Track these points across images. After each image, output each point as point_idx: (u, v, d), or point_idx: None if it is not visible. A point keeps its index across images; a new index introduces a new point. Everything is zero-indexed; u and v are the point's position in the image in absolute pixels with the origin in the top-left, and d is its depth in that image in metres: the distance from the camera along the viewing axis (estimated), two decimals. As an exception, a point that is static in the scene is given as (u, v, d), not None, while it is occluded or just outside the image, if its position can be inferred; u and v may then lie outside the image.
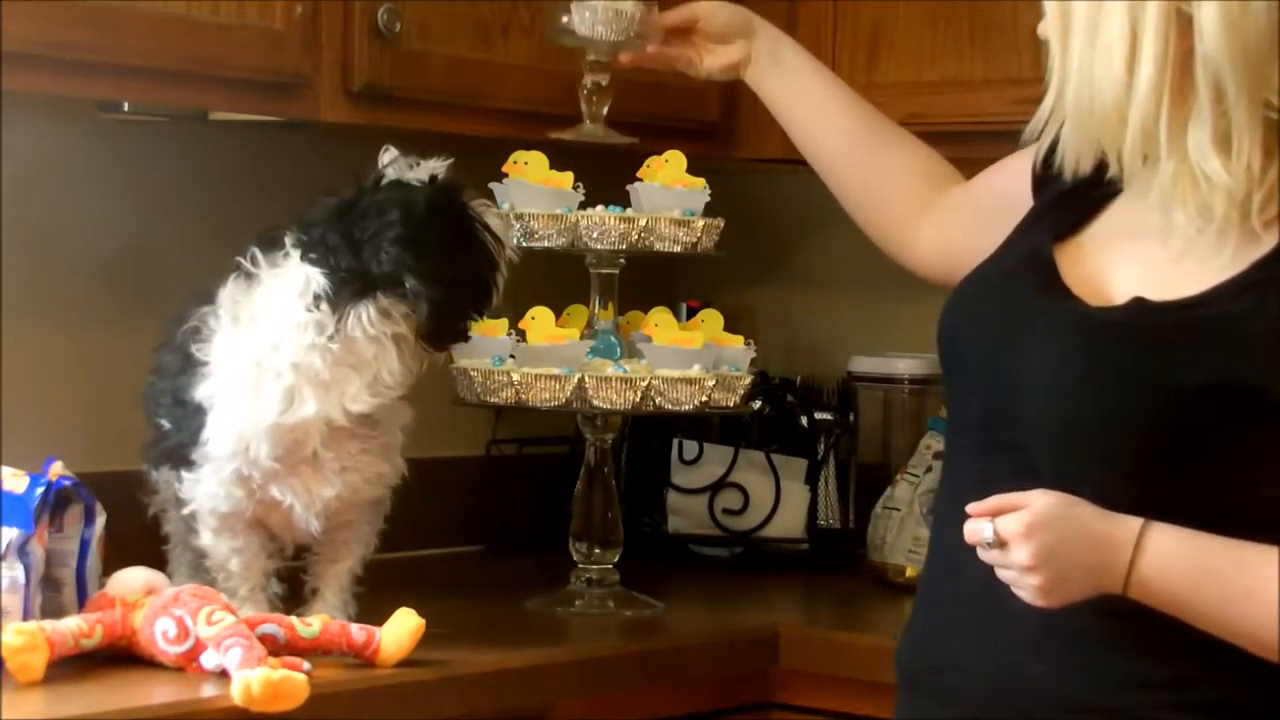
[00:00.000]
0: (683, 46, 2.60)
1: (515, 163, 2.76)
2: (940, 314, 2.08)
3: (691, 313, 3.28)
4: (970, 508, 1.86)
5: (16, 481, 2.26)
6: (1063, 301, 1.96)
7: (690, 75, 2.63)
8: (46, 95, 2.50)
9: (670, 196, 2.75)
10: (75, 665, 2.19)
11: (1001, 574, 1.86)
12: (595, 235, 2.72)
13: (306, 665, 2.17)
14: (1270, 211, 1.88)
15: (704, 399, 2.69)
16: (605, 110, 2.67)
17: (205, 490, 2.39)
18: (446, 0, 2.73)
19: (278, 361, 2.35)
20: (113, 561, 2.35)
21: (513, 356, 2.69)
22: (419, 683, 2.28)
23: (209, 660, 2.18)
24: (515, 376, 2.65)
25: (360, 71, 2.62)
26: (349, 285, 2.34)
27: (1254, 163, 1.87)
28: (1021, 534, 1.82)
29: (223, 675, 2.15)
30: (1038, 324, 1.95)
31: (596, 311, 2.81)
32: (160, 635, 2.21)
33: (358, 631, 2.28)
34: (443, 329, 2.38)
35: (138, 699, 2.11)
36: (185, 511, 2.42)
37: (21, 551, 2.23)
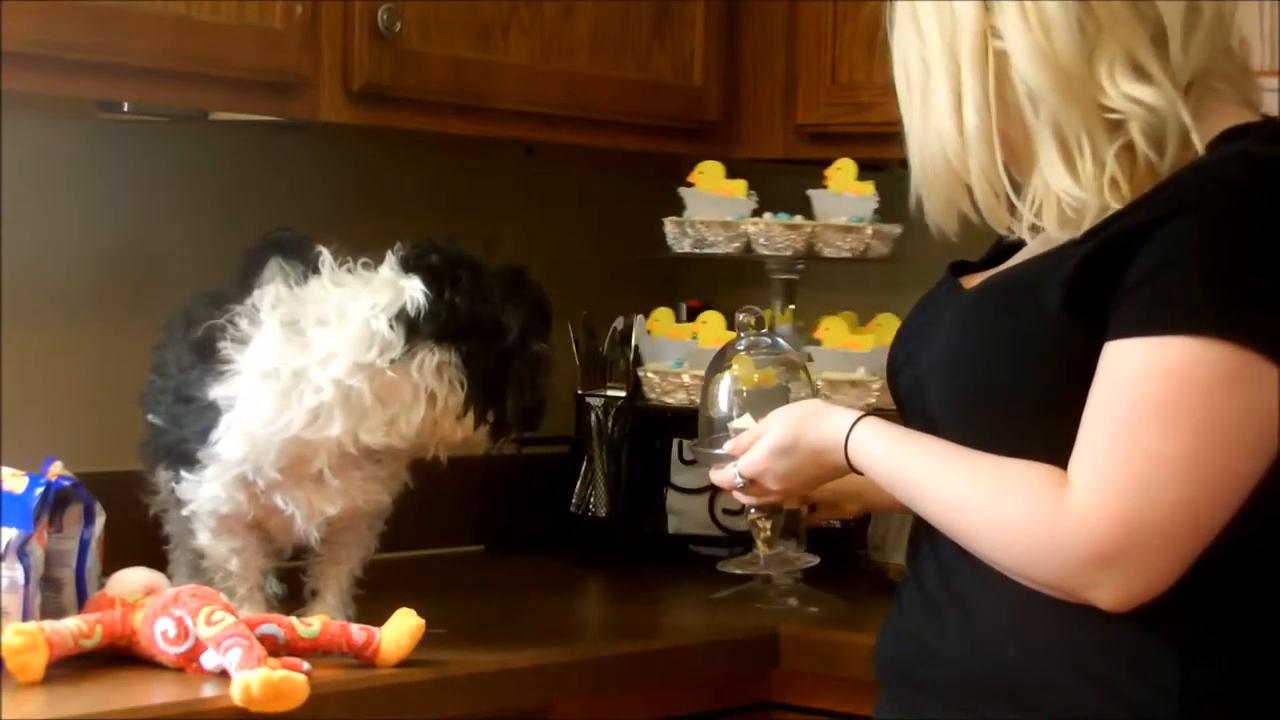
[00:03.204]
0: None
1: (696, 172, 2.90)
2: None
3: (692, 312, 3.29)
4: (726, 446, 2.19)
5: (16, 481, 2.26)
6: (951, 295, 2.04)
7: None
8: (46, 95, 2.50)
9: (840, 203, 2.85)
10: (75, 665, 2.19)
11: (744, 498, 2.20)
12: (763, 242, 2.84)
13: (306, 665, 2.17)
14: (1129, 188, 1.88)
15: (870, 401, 2.73)
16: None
17: (207, 492, 2.38)
18: (446, 0, 2.73)
19: (321, 376, 2.33)
20: (113, 561, 2.35)
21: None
22: (419, 683, 2.28)
23: (209, 660, 2.18)
24: (686, 379, 2.71)
25: (360, 71, 2.62)
26: (439, 323, 2.33)
27: (1105, 157, 1.87)
28: (761, 469, 2.14)
29: (223, 675, 2.15)
30: (929, 320, 2.04)
31: (775, 316, 2.90)
32: (160, 635, 2.21)
33: (357, 632, 2.28)
34: (529, 414, 2.42)
35: (138, 699, 2.11)
36: (184, 512, 2.42)
37: (21, 551, 2.23)
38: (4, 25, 2.27)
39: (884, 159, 3.04)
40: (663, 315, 2.90)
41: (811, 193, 2.90)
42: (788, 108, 3.08)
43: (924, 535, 2.00)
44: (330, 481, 2.37)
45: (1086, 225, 1.88)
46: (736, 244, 2.87)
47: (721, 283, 3.16)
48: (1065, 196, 1.89)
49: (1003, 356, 1.91)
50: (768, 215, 2.86)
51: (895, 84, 1.98)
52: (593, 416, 3.20)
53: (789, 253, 2.84)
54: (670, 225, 2.91)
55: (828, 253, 2.84)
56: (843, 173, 2.88)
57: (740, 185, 2.89)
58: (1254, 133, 1.88)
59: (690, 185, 2.93)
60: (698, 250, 2.87)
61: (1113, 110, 1.87)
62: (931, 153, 1.94)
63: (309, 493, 2.38)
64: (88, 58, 2.37)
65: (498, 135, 2.84)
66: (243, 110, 2.63)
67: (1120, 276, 1.82)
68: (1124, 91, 1.87)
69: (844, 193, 2.86)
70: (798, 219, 2.86)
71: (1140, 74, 1.87)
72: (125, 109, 2.59)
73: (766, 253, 2.86)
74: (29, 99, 2.55)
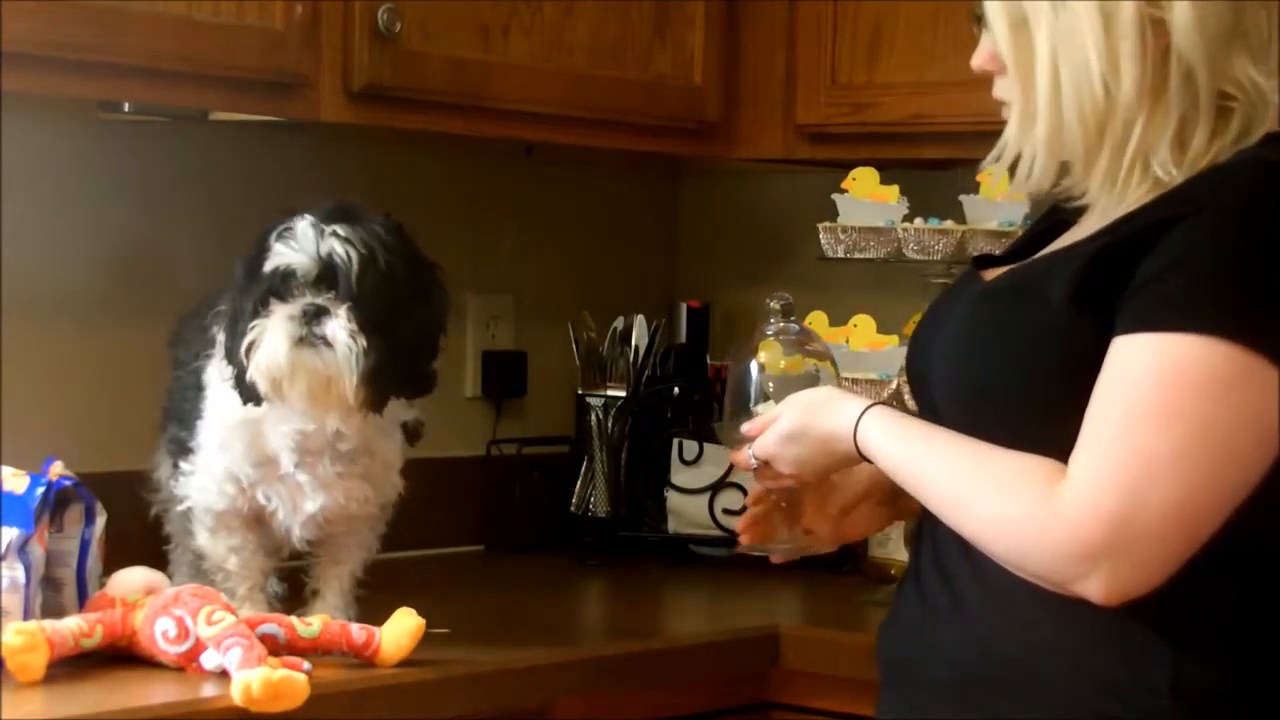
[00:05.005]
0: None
1: (849, 179, 2.92)
2: None
3: (692, 312, 3.29)
4: (743, 429, 2.16)
5: (16, 481, 2.27)
6: (967, 288, 2.04)
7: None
8: (46, 95, 2.50)
9: (992, 209, 2.87)
10: (75, 665, 2.19)
11: (763, 480, 2.17)
12: (914, 247, 2.87)
13: (306, 665, 2.17)
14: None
15: None
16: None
17: (198, 484, 2.38)
18: (446, 0, 2.73)
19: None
20: (113, 561, 2.35)
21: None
22: (419, 683, 2.28)
23: (209, 660, 2.18)
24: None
25: (360, 71, 2.62)
26: None
27: (1199, 148, 1.88)
28: (772, 453, 2.12)
29: (223, 675, 2.15)
30: (944, 309, 2.04)
31: None
32: (160, 635, 2.21)
33: (358, 631, 2.28)
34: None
35: (138, 699, 2.11)
36: (180, 509, 2.42)
37: (21, 551, 2.23)
38: (4, 25, 2.27)
39: (883, 159, 3.06)
40: (816, 319, 2.91)
41: (964, 198, 2.91)
42: (787, 108, 3.07)
43: (926, 532, 2.01)
44: (298, 477, 2.37)
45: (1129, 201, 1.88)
46: (888, 249, 2.90)
47: (876, 289, 3.15)
48: (1150, 180, 1.87)
49: (1006, 353, 1.91)
50: (918, 220, 2.88)
51: (994, 28, 1.93)
52: (593, 416, 3.20)
53: (939, 257, 2.87)
54: (824, 231, 2.93)
55: None
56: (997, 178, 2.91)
57: (892, 191, 2.91)
58: (1276, 140, 1.88)
59: (844, 192, 2.94)
60: (850, 255, 2.91)
61: (1229, 97, 1.87)
62: (1068, 114, 1.90)
63: (291, 489, 2.38)
64: (89, 58, 2.37)
65: (498, 135, 2.84)
66: (243, 110, 2.63)
67: (1130, 274, 1.83)
68: (1247, 74, 1.87)
69: (997, 199, 2.88)
70: (948, 224, 2.88)
71: (1259, 59, 1.88)
72: (126, 109, 2.59)
73: (917, 257, 2.88)
74: (29, 99, 2.55)
